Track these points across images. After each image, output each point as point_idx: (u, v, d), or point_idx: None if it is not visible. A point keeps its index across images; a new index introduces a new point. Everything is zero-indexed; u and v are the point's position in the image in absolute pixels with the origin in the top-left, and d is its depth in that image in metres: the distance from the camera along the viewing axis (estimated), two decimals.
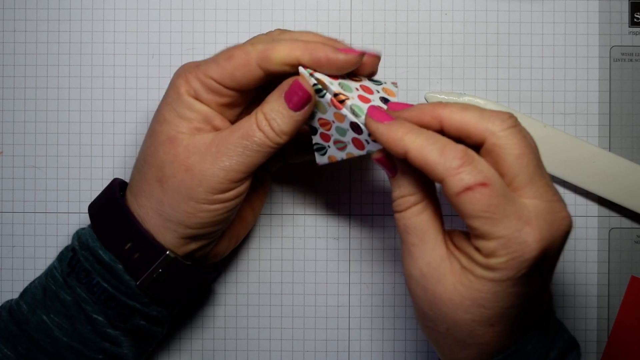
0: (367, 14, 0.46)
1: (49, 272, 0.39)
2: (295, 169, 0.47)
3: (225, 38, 0.46)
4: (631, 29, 0.46)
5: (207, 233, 0.39)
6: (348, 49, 0.37)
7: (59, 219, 0.47)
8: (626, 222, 0.46)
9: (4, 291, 0.47)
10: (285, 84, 0.37)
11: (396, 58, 0.46)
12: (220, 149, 0.36)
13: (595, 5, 0.46)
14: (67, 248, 0.40)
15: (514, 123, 0.33)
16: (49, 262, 0.46)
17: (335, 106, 0.36)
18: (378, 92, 0.38)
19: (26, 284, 0.46)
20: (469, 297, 0.32)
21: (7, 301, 0.41)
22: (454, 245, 0.34)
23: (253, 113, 0.37)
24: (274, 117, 0.37)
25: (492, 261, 0.32)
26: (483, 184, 0.31)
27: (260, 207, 0.44)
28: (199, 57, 0.46)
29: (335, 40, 0.39)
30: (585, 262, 0.46)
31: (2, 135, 0.47)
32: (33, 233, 0.47)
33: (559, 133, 0.45)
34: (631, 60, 0.46)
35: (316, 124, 0.38)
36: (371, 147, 0.36)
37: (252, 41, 0.38)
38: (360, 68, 0.38)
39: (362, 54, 0.37)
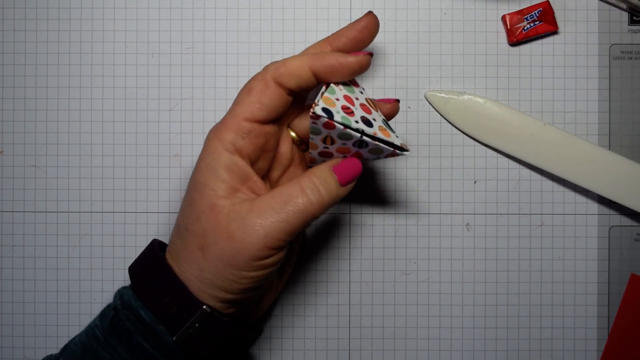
0: None
1: (90, 330, 0.39)
2: None
3: (225, 37, 0.46)
4: (630, 27, 0.46)
5: (248, 297, 0.38)
6: (357, 52, 0.37)
7: (59, 218, 0.47)
8: (626, 220, 0.46)
9: (4, 290, 0.47)
10: (337, 160, 0.38)
11: (396, 57, 0.46)
12: (261, 215, 0.36)
13: (594, 3, 0.46)
14: (108, 306, 0.39)
15: None
16: (49, 261, 0.46)
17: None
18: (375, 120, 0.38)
19: (26, 283, 0.46)
20: None
21: (48, 356, 0.40)
22: None
23: (296, 181, 0.37)
24: (320, 185, 0.37)
25: None
26: None
27: (296, 256, 0.44)
28: (198, 57, 0.46)
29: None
30: (585, 260, 0.46)
31: (2, 134, 0.47)
32: (33, 232, 0.47)
33: (558, 131, 0.45)
34: (631, 58, 0.46)
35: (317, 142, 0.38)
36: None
37: (264, 68, 0.38)
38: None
39: (371, 53, 0.38)
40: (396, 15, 0.46)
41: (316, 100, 0.36)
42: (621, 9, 0.46)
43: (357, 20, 0.39)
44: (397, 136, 0.37)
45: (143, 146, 0.47)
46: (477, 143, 0.46)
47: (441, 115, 0.46)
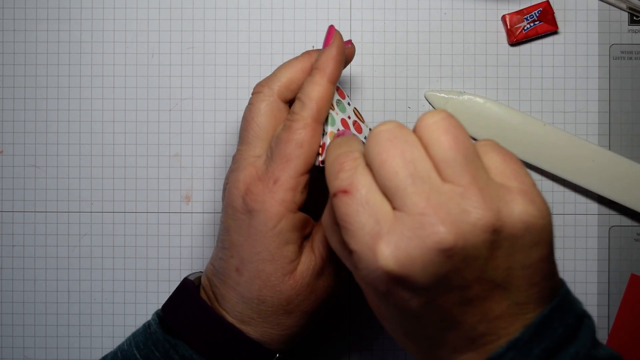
0: (366, 13, 0.46)
1: None
2: None
3: (225, 37, 0.46)
4: (630, 27, 0.46)
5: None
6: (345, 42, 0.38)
7: (59, 218, 0.47)
8: (626, 220, 0.46)
9: (4, 290, 0.47)
10: None
11: (396, 57, 0.46)
12: (332, 264, 0.37)
13: (594, 3, 0.46)
14: (152, 351, 0.37)
15: (385, 128, 0.31)
16: (49, 262, 0.46)
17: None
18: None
19: (26, 283, 0.46)
20: (376, 310, 0.33)
21: None
22: None
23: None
24: None
25: (356, 274, 0.31)
26: (345, 191, 0.30)
27: None
28: (198, 57, 0.46)
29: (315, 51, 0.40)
30: (585, 260, 0.46)
31: (2, 134, 0.47)
32: (33, 233, 0.47)
33: (558, 131, 0.45)
34: (630, 58, 0.46)
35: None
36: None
37: (292, 116, 0.36)
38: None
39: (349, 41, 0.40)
40: (396, 15, 0.46)
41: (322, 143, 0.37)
42: (621, 9, 0.46)
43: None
44: None
45: (143, 146, 0.47)
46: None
47: None
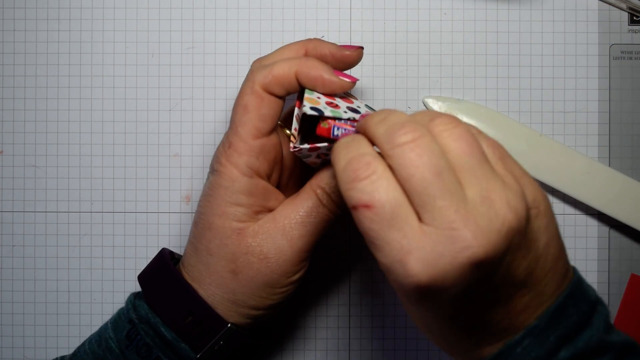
0: (366, 13, 0.46)
1: (104, 342, 0.38)
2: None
3: (225, 37, 0.46)
4: (630, 27, 0.46)
5: (274, 311, 0.39)
6: (344, 74, 0.37)
7: (59, 218, 0.47)
8: None
9: (4, 290, 0.47)
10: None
11: (396, 57, 0.46)
12: (288, 231, 0.37)
13: (594, 3, 0.46)
14: (120, 316, 0.39)
15: (408, 139, 0.29)
16: (49, 261, 0.46)
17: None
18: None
19: (26, 283, 0.46)
20: (408, 311, 0.34)
21: (56, 359, 0.41)
22: None
23: (309, 189, 0.37)
24: (332, 193, 0.37)
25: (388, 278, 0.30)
26: (366, 206, 0.29)
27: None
28: (198, 57, 0.46)
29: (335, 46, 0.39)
30: (585, 260, 0.46)
31: (2, 134, 0.47)
32: (33, 233, 0.47)
33: (553, 143, 0.45)
34: (630, 58, 0.46)
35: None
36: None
37: (248, 77, 0.38)
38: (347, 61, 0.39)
39: (355, 80, 0.37)
40: (396, 15, 0.46)
41: (296, 115, 0.36)
42: (621, 9, 0.46)
43: (346, 46, 0.39)
44: None
45: (143, 146, 0.47)
46: None
47: None
